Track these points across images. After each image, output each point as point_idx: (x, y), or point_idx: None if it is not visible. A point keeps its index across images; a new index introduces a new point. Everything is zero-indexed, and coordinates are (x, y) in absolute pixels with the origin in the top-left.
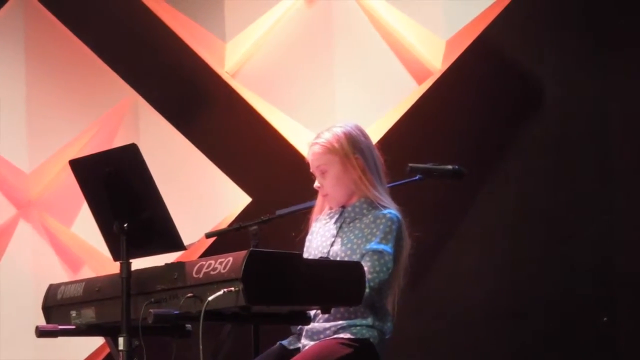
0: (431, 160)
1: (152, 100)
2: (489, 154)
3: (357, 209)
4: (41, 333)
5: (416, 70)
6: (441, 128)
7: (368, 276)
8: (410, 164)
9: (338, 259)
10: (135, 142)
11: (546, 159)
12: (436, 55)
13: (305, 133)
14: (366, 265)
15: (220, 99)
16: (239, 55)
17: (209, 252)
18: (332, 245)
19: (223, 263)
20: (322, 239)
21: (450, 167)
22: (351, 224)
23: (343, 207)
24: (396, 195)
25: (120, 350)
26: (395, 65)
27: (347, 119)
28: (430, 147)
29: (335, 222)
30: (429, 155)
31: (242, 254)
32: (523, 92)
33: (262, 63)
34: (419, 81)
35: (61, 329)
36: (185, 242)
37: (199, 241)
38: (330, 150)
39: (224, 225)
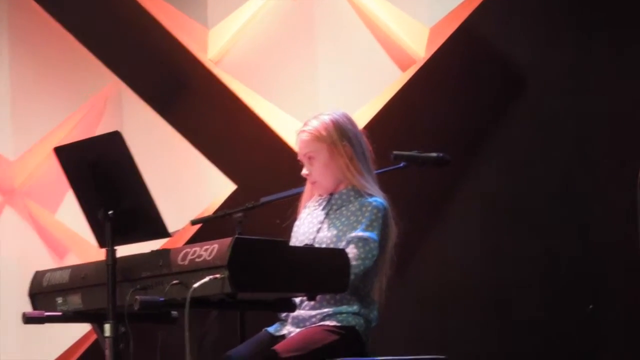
0: (415, 148)
1: (135, 87)
2: (473, 141)
3: (344, 196)
4: (28, 320)
5: (400, 57)
6: (425, 115)
7: (353, 263)
8: (394, 152)
9: (324, 245)
10: (119, 129)
11: (530, 145)
12: (420, 43)
13: (289, 120)
14: (351, 252)
15: (203, 87)
16: (222, 43)
17: (194, 239)
18: (318, 231)
19: (208, 250)
20: (309, 226)
21: (434, 154)
22: (338, 211)
23: (331, 194)
24: (380, 183)
25: (107, 337)
26: (378, 52)
27: (330, 106)
28: (415, 135)
29: (323, 209)
30: (413, 143)
31: (228, 241)
32: (506, 79)
33: (246, 50)
34: (403, 68)
35: (47, 315)
36: (170, 229)
37: (184, 228)
38: (318, 137)
39: (209, 213)
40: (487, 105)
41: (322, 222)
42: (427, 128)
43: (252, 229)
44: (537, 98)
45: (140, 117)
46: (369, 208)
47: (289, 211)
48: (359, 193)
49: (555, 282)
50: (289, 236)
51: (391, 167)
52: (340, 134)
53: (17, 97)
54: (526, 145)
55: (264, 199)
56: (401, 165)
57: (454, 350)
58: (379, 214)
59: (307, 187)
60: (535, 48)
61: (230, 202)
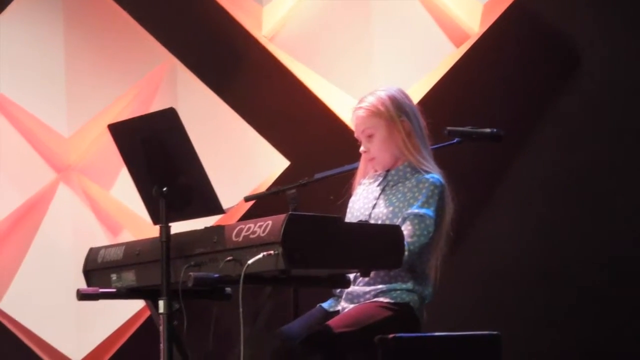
0: (469, 124)
1: (190, 64)
2: (526, 117)
3: (400, 173)
4: (82, 296)
5: (454, 33)
6: (479, 91)
7: (408, 240)
8: (448, 127)
9: (379, 221)
10: (173, 106)
11: (584, 124)
12: (474, 18)
13: (342, 96)
14: (407, 229)
15: (257, 63)
16: (276, 19)
17: (247, 216)
18: (374, 207)
19: (262, 227)
20: (364, 202)
21: (488, 130)
22: (394, 188)
23: (387, 170)
24: (434, 159)
25: (161, 313)
26: (432, 28)
27: (384, 82)
28: (468, 110)
29: (379, 185)
30: (466, 119)
31: (281, 217)
32: (561, 55)
33: (300, 26)
34: (457, 44)
35: (102, 292)
36: (224, 206)
37: (237, 205)
38: (375, 113)
39: (263, 189)
40: (542, 81)
41: (377, 198)
42: (481, 104)
43: (305, 206)
44: (592, 75)
45: (194, 94)
46: (426, 185)
47: (344, 187)
48: (416, 169)
49: (613, 259)
50: (343, 213)
51: (445, 143)
52: (397, 110)
53: (72, 74)
54: (579, 122)
55: (317, 175)
56: (455, 141)
57: (508, 326)
58: (436, 191)
59: (362, 163)
60: (590, 25)
61: (284, 178)
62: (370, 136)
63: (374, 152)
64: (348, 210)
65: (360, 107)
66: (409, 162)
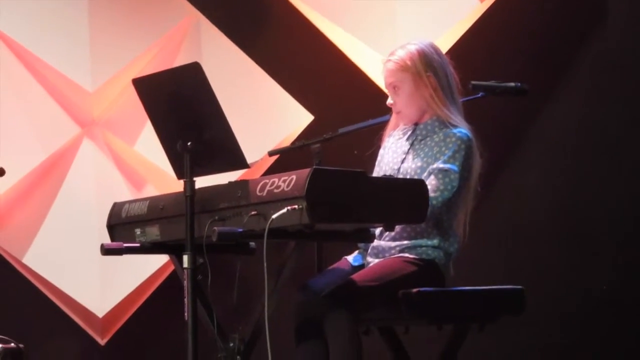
0: (493, 78)
1: (214, 18)
2: (551, 71)
3: (428, 127)
4: (106, 251)
5: None
6: (504, 45)
7: (431, 194)
8: (472, 82)
9: (408, 176)
10: (198, 61)
11: (611, 77)
12: None
13: (367, 51)
14: (431, 184)
15: (281, 17)
16: None
17: (271, 171)
18: (402, 162)
19: (286, 181)
20: (393, 155)
21: (512, 84)
22: (422, 142)
23: (416, 124)
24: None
25: (185, 268)
26: None
27: (408, 37)
28: (493, 65)
29: (408, 139)
30: (491, 73)
31: (306, 172)
32: (587, 8)
33: None
34: None
35: (126, 246)
36: (249, 160)
37: (262, 159)
38: (403, 67)
39: (287, 144)
40: (567, 34)
41: (406, 153)
42: (506, 57)
43: (330, 160)
44: (619, 30)
45: (219, 49)
46: (453, 139)
47: (375, 138)
48: (444, 124)
49: (636, 213)
50: (368, 167)
51: (469, 97)
52: (425, 64)
53: (96, 29)
54: (607, 76)
55: (341, 130)
56: (479, 95)
57: (531, 282)
58: (462, 145)
59: (393, 117)
60: None
61: (308, 133)
62: (396, 89)
63: (400, 105)
64: (377, 162)
65: (390, 60)
66: (437, 116)
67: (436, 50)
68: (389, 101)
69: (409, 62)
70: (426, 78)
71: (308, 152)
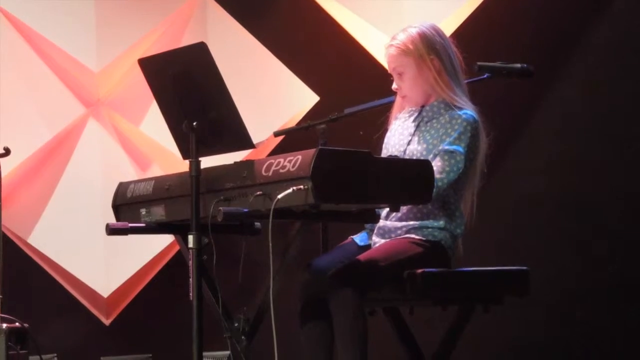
0: (499, 59)
1: None
2: (557, 52)
3: (434, 109)
4: (111, 231)
5: None
6: (510, 26)
7: (437, 176)
8: (478, 63)
9: (414, 157)
10: (204, 41)
11: (617, 58)
12: None
13: (372, 32)
14: (436, 165)
15: None
16: None
17: (277, 151)
18: (408, 143)
19: (292, 161)
20: (399, 137)
21: (518, 65)
22: (428, 124)
23: (422, 106)
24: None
25: (190, 248)
26: None
27: (414, 17)
28: (499, 46)
29: (414, 121)
30: (497, 54)
31: (311, 152)
32: None
33: None
34: None
35: (131, 226)
36: (254, 141)
37: (267, 139)
38: (405, 52)
39: (292, 124)
40: (573, 17)
41: (412, 135)
42: (512, 39)
43: (335, 141)
44: (624, 8)
45: (225, 29)
46: (459, 121)
47: (380, 120)
48: (449, 106)
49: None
50: (374, 148)
51: (475, 78)
52: (427, 47)
53: (101, 8)
54: (610, 60)
55: (347, 110)
56: (485, 76)
57: (536, 261)
58: (468, 127)
59: (398, 99)
60: None
61: (314, 113)
62: (400, 74)
63: (405, 90)
64: (383, 145)
65: (392, 45)
66: (443, 98)
67: (438, 32)
68: (394, 86)
69: (411, 46)
70: (429, 61)
71: (314, 133)
